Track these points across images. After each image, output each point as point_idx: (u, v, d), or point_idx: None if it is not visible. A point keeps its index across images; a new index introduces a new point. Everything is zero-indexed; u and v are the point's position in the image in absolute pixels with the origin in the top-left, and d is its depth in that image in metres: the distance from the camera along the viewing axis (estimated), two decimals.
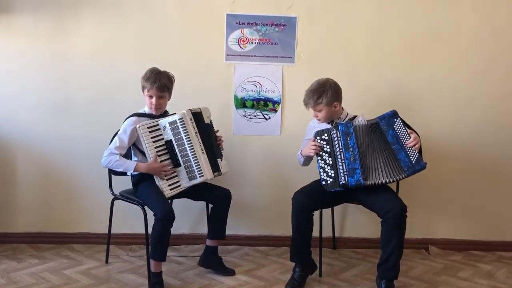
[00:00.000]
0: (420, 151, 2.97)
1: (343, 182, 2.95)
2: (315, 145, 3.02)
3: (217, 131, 3.26)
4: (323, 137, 3.04)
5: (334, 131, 3.00)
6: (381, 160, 2.97)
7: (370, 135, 3.00)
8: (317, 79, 3.11)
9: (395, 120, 2.97)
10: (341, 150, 2.97)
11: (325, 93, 3.03)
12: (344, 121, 3.12)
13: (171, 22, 3.53)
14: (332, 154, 3.00)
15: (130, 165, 3.03)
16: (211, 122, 3.21)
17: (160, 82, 3.04)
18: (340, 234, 3.75)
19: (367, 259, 3.54)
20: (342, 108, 3.15)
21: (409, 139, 2.93)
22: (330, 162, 3.00)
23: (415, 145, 2.92)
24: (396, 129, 2.96)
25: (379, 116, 3.00)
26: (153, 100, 3.07)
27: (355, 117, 3.16)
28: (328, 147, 3.02)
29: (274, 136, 3.66)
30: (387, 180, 2.95)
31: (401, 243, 2.89)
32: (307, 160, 3.23)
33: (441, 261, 3.56)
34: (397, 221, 2.86)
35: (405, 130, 2.95)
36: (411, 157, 2.92)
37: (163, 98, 3.10)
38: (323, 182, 3.03)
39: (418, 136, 3.01)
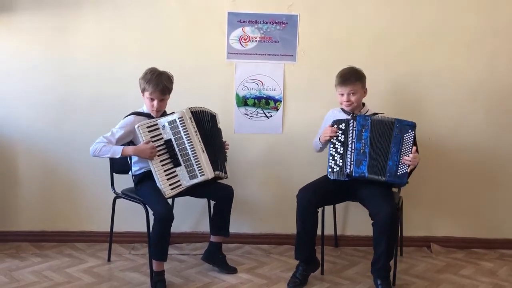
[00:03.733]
0: (411, 171, 2.97)
1: (348, 171, 2.97)
2: (332, 131, 3.04)
3: (227, 145, 3.28)
4: (340, 126, 3.06)
5: (352, 121, 3.03)
6: (376, 155, 2.97)
7: (381, 131, 3.00)
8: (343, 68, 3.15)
9: (410, 131, 2.98)
10: (353, 140, 2.99)
11: (362, 75, 3.12)
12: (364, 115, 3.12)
13: (172, 20, 3.53)
14: (344, 144, 3.02)
15: (117, 149, 2.99)
16: (220, 129, 3.23)
17: (162, 85, 3.01)
18: (342, 232, 3.75)
19: (369, 257, 3.51)
20: (363, 103, 3.16)
21: (409, 155, 2.93)
22: (341, 152, 3.02)
23: (409, 165, 2.92)
24: (405, 138, 2.97)
25: (398, 118, 3.02)
26: (155, 103, 3.05)
27: (376, 114, 3.15)
28: (342, 136, 3.04)
29: (275, 134, 3.66)
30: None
31: (390, 246, 2.87)
32: (324, 145, 3.21)
33: (443, 259, 3.56)
34: (383, 225, 2.82)
35: (410, 145, 2.95)
36: (399, 167, 2.94)
37: (164, 101, 3.10)
38: (329, 169, 3.03)
39: (419, 159, 2.99)
